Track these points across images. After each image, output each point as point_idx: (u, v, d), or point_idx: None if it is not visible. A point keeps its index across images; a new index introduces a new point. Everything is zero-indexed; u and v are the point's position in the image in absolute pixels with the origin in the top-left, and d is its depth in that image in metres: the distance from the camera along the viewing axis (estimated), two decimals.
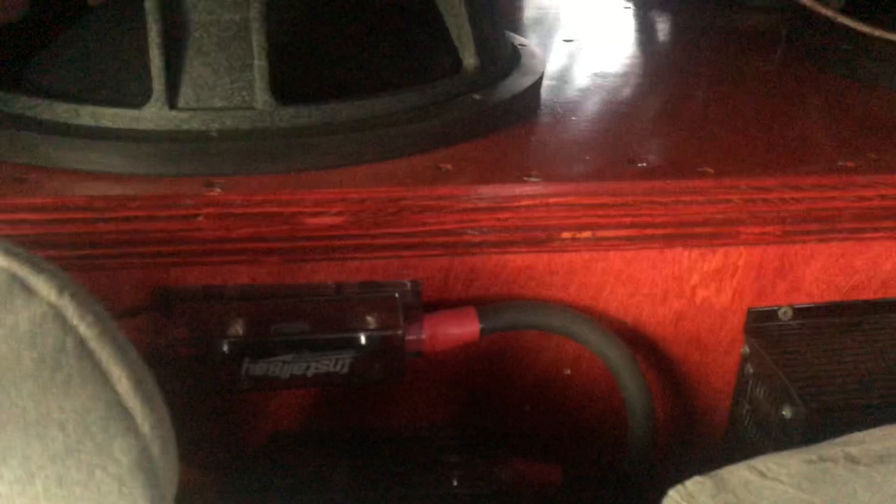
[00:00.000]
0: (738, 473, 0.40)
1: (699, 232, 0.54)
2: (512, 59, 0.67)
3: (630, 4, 1.06)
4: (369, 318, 0.51)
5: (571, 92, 0.69)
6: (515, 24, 0.94)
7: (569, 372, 0.59)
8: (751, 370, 0.59)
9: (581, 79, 0.73)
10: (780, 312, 0.59)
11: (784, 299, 0.59)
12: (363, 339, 0.50)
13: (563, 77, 0.73)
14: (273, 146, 0.51)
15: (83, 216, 0.47)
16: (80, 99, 0.53)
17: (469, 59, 0.60)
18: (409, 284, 0.54)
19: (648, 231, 0.53)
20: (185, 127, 0.51)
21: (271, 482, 0.54)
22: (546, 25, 0.94)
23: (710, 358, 0.60)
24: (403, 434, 0.58)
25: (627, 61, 0.80)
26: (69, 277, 0.32)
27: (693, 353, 0.60)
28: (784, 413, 0.54)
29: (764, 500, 0.38)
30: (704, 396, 0.62)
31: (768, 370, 0.56)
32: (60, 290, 0.31)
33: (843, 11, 0.71)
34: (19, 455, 0.29)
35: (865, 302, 0.60)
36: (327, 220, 0.49)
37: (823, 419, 0.52)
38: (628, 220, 0.53)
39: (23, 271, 0.30)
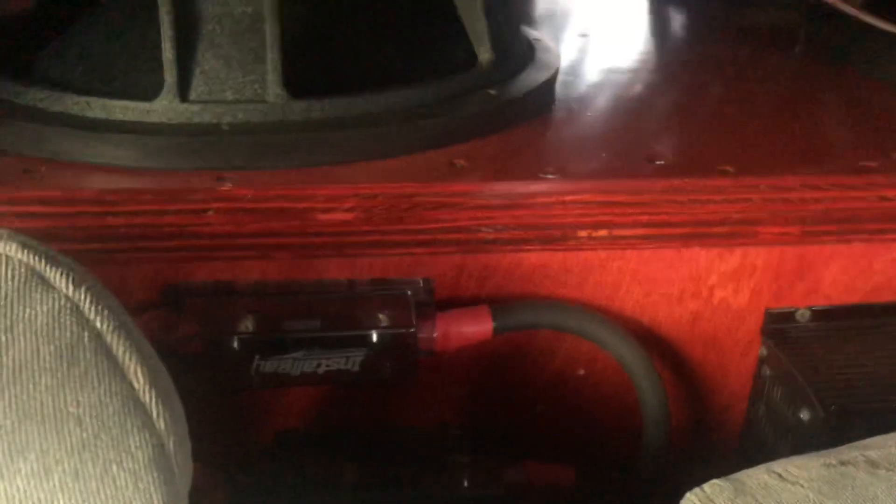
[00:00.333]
0: (756, 477, 0.40)
1: (717, 231, 0.53)
2: (526, 53, 0.66)
3: None
4: (381, 316, 0.50)
5: (586, 87, 0.69)
6: (529, 18, 0.93)
7: (583, 372, 0.59)
8: (768, 372, 0.58)
9: (596, 74, 0.72)
10: (798, 314, 0.58)
11: (802, 301, 0.58)
12: (375, 337, 0.50)
13: (577, 72, 0.72)
14: (285, 140, 0.50)
15: (92, 210, 0.47)
16: (90, 91, 0.52)
17: (484, 54, 0.59)
18: (421, 282, 0.53)
19: (666, 230, 0.53)
20: (197, 120, 0.51)
21: (280, 481, 0.53)
22: (559, 20, 0.93)
23: (727, 359, 0.60)
24: (414, 433, 0.58)
25: (642, 57, 0.79)
26: (85, 271, 0.32)
27: (709, 355, 0.59)
28: (801, 416, 0.53)
29: None
30: (720, 398, 0.61)
31: (786, 372, 0.56)
32: (77, 283, 0.31)
33: (866, 8, 0.70)
34: (37, 449, 0.29)
35: (885, 304, 0.59)
36: (339, 215, 0.49)
37: (841, 422, 0.51)
38: (645, 218, 0.52)
39: (40, 265, 0.31)
